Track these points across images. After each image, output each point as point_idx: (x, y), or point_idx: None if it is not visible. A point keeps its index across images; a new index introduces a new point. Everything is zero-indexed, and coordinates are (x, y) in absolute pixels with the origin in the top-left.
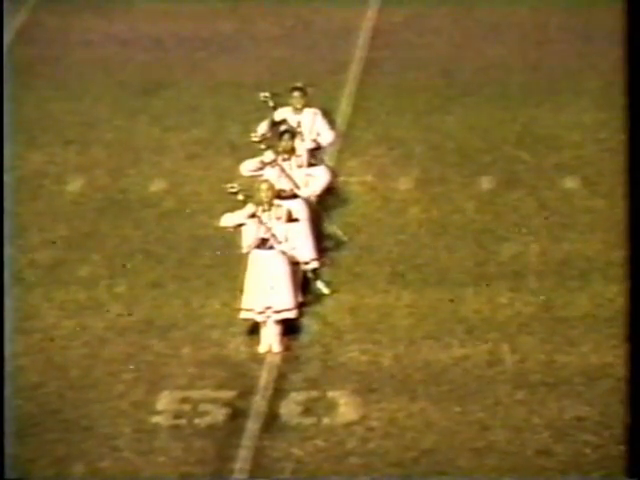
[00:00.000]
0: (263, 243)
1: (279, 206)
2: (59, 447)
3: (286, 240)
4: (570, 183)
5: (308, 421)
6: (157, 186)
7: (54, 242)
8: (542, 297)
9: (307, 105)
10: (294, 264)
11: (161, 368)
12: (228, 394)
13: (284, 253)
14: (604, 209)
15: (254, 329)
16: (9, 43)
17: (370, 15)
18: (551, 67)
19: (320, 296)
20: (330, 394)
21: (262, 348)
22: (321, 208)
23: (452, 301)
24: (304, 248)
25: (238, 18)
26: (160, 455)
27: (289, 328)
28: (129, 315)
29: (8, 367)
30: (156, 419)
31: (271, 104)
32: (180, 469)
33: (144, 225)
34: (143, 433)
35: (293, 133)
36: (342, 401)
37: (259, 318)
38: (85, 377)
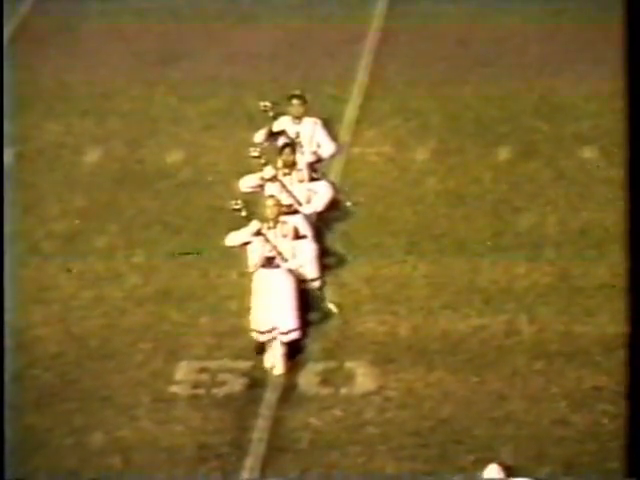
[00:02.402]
0: (269, 261)
1: (285, 223)
2: (77, 416)
3: (293, 258)
4: (588, 153)
5: (326, 391)
6: (174, 157)
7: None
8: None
9: (306, 114)
10: (301, 282)
11: (179, 338)
12: (246, 364)
13: (291, 271)
14: (622, 179)
15: None
16: (26, 13)
17: None
18: (569, 36)
19: (328, 314)
20: (348, 364)
21: (268, 363)
22: (322, 224)
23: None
24: (310, 265)
25: None
26: (178, 424)
27: (294, 349)
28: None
29: (27, 337)
30: (174, 389)
31: (271, 114)
32: (198, 438)
33: (161, 196)
34: (161, 403)
35: (294, 146)
36: (360, 371)
37: (266, 338)
38: (103, 347)
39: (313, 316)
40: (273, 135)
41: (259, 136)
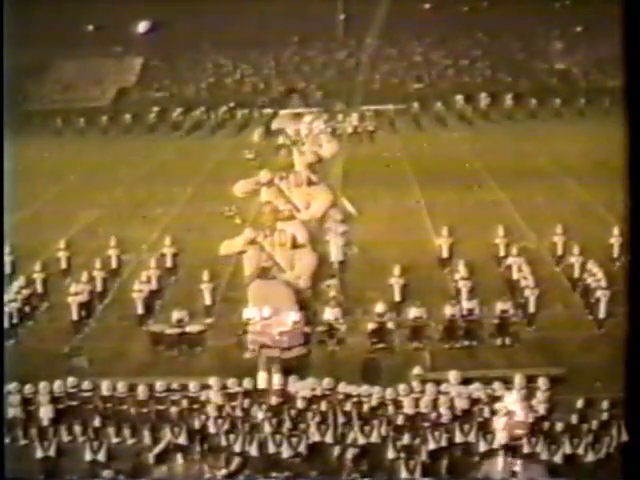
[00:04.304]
0: (265, 272)
1: (282, 231)
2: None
3: (291, 268)
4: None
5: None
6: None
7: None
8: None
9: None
10: (299, 293)
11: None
12: None
13: (289, 283)
14: None
15: None
16: None
17: None
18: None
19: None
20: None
21: (262, 383)
22: (321, 231)
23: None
24: (308, 275)
25: None
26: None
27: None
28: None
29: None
30: None
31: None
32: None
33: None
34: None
35: (290, 148)
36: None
37: (264, 353)
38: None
39: (312, 332)
40: (271, 134)
41: (257, 136)
